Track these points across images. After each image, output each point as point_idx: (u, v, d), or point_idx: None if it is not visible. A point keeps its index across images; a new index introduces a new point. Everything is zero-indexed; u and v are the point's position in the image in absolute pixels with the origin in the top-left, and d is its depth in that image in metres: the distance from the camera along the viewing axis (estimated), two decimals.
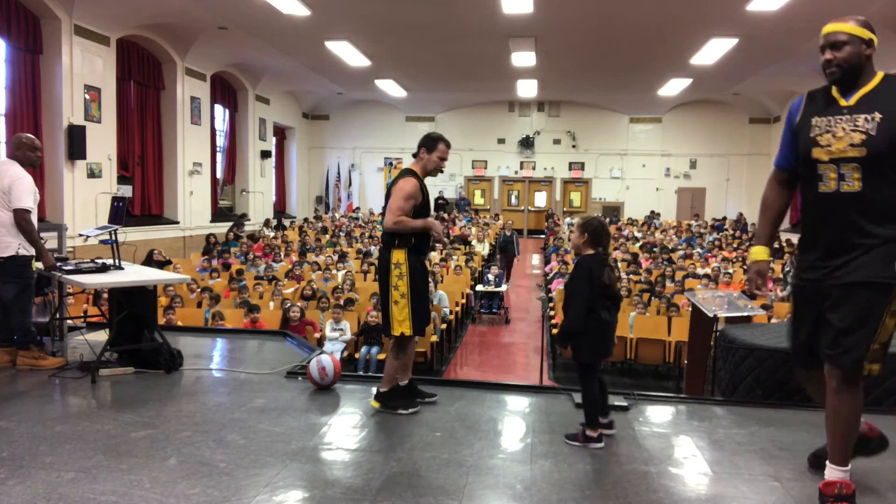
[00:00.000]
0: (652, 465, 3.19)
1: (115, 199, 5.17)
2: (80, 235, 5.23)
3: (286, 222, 19.78)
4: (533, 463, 3.18)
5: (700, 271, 11.61)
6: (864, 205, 2.52)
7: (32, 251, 4.61)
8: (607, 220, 19.52)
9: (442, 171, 4.06)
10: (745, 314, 5.73)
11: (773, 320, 7.51)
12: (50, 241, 5.53)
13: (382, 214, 3.93)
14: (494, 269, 11.61)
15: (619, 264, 12.06)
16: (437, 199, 22.21)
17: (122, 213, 5.02)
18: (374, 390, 3.98)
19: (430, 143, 3.91)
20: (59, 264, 4.88)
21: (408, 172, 3.88)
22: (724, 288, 9.60)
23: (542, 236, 20.42)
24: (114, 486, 2.77)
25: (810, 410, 4.11)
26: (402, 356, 3.90)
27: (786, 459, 3.27)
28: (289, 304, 7.94)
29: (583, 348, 3.44)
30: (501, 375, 8.28)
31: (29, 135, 4.80)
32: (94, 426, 3.51)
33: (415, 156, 3.97)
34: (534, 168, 22.79)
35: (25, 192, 4.50)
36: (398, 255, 3.76)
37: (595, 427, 3.42)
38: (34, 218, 4.58)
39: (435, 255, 12.97)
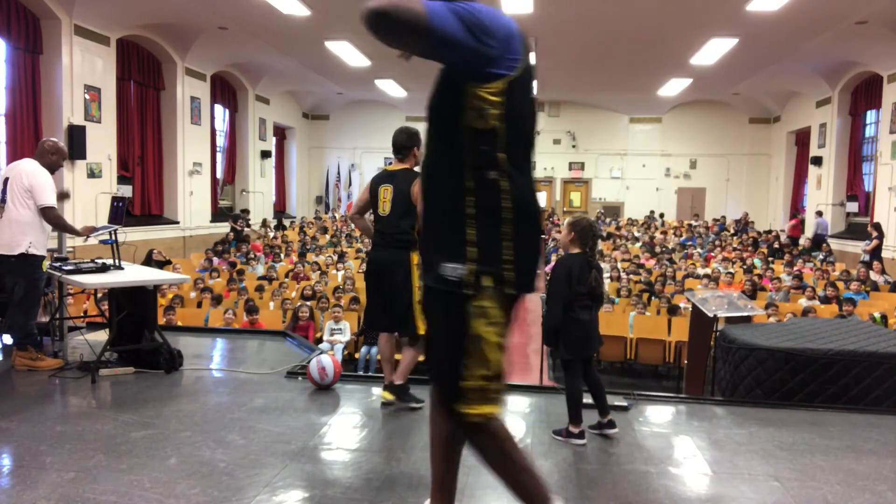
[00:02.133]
0: (652, 465, 3.19)
1: (114, 198, 5.18)
2: None
3: (286, 222, 19.78)
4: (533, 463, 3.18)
5: (700, 271, 11.62)
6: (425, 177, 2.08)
7: (43, 252, 4.65)
8: (608, 220, 19.56)
9: None
10: (745, 314, 5.73)
11: (772, 319, 7.51)
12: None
13: (394, 213, 3.85)
14: None
15: (620, 264, 12.06)
16: None
17: (121, 213, 5.03)
18: (374, 390, 3.98)
19: (421, 141, 3.89)
20: (58, 264, 4.89)
21: (415, 174, 3.82)
22: (725, 288, 9.60)
23: (542, 236, 20.35)
24: (114, 486, 2.77)
25: (810, 410, 4.12)
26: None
27: (786, 459, 3.28)
28: (300, 304, 7.95)
29: (561, 346, 3.46)
30: None
31: (58, 141, 4.92)
32: (94, 426, 3.51)
33: (403, 156, 3.92)
34: (533, 168, 22.75)
35: (50, 190, 4.63)
36: (417, 257, 3.75)
37: (577, 423, 3.43)
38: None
39: None
